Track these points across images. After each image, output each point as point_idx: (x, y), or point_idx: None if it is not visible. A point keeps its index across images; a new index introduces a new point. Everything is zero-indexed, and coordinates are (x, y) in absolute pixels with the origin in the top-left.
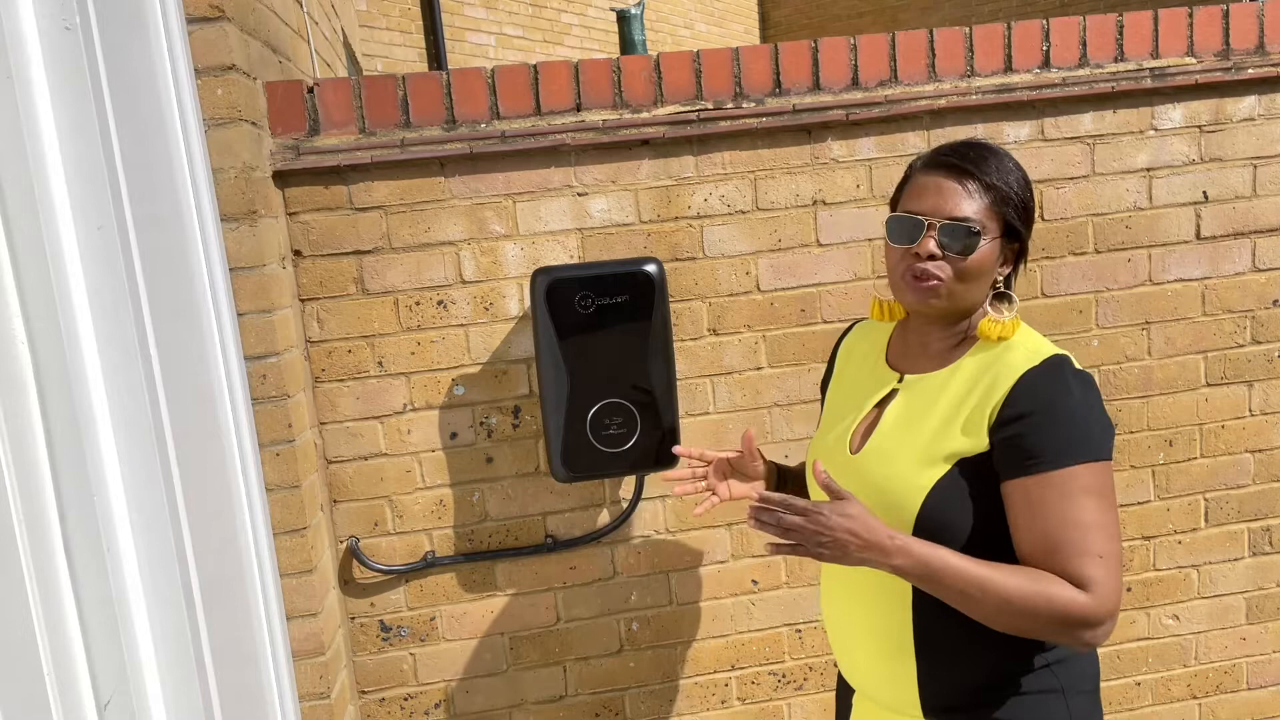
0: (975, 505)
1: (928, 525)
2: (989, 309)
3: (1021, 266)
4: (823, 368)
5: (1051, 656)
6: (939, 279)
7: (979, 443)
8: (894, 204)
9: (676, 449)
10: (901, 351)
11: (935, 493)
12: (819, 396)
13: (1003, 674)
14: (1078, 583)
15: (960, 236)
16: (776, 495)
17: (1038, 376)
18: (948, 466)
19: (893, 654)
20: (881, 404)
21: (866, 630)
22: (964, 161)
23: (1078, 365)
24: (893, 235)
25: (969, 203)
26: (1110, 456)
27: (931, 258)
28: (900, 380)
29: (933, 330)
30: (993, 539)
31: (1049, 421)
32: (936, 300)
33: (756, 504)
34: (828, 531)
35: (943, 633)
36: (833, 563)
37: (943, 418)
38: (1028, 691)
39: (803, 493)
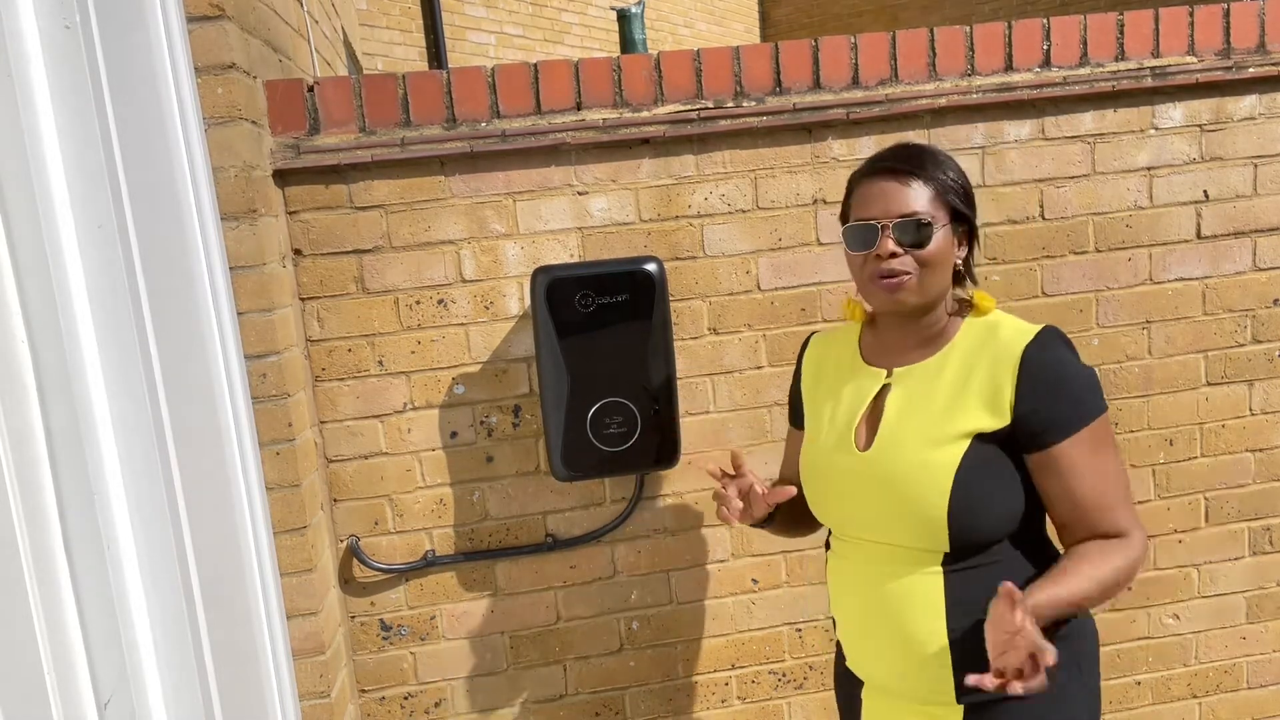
0: (1002, 475)
1: (961, 500)
2: (954, 290)
3: (976, 245)
4: None
5: (1059, 632)
6: (906, 273)
7: (999, 419)
8: (844, 217)
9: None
10: (880, 350)
11: (964, 468)
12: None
13: None
14: (1125, 529)
15: (914, 230)
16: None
17: (1040, 351)
18: (966, 443)
19: (926, 655)
20: (877, 400)
21: (897, 636)
22: (901, 163)
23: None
24: (852, 244)
25: (915, 198)
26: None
27: (893, 255)
28: (889, 375)
29: (908, 325)
30: (1021, 504)
31: (1065, 390)
32: (907, 296)
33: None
34: (1023, 650)
35: (975, 631)
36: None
37: (949, 398)
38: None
39: (796, 513)
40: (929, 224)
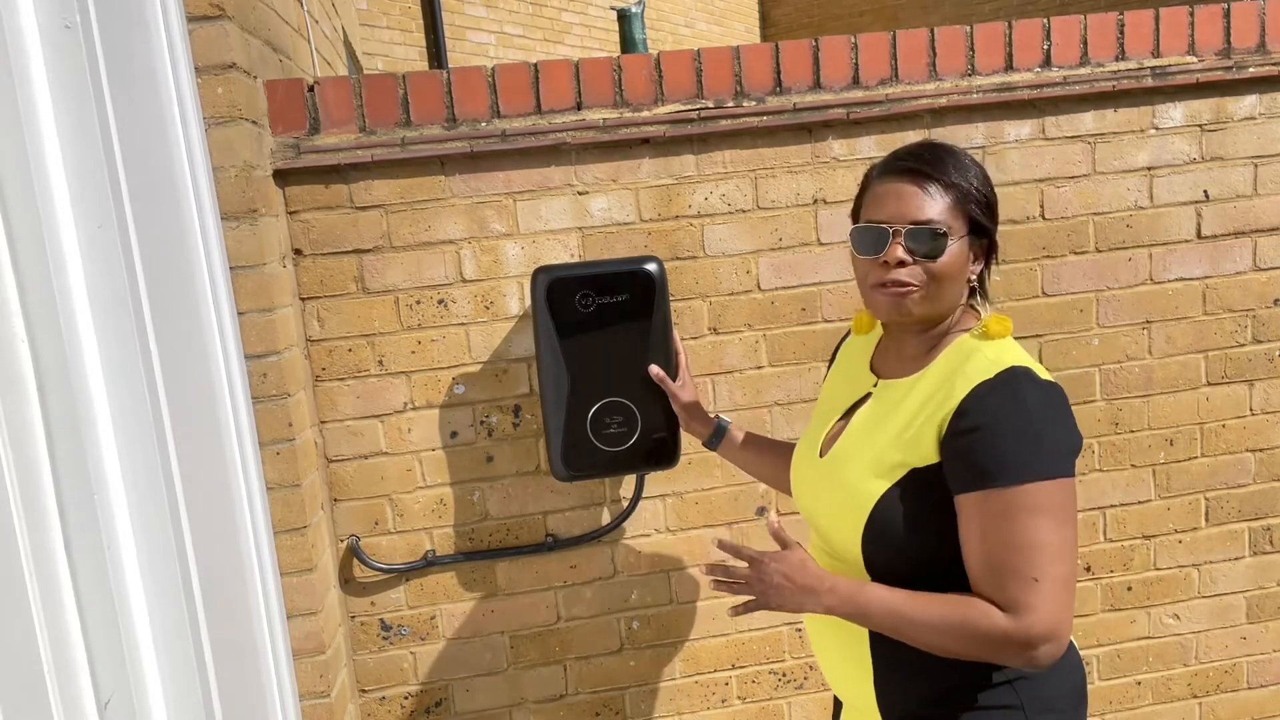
0: (923, 516)
1: (875, 534)
2: (969, 308)
3: (994, 261)
4: (823, 366)
5: (1012, 673)
6: (913, 285)
7: (929, 454)
8: (855, 215)
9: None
10: (883, 355)
11: (883, 502)
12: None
13: (958, 688)
14: (1008, 605)
15: (927, 240)
16: (718, 558)
17: (990, 389)
18: (899, 475)
19: (853, 661)
20: (855, 408)
21: (831, 636)
22: (921, 164)
23: (1043, 375)
24: (859, 246)
25: (931, 204)
26: (1069, 473)
27: (901, 264)
28: (875, 385)
29: (908, 336)
30: (943, 550)
31: (997, 437)
32: (911, 306)
33: (708, 566)
34: (768, 577)
35: (896, 643)
36: (782, 609)
37: (903, 423)
38: (984, 707)
39: (780, 466)
40: (944, 234)
